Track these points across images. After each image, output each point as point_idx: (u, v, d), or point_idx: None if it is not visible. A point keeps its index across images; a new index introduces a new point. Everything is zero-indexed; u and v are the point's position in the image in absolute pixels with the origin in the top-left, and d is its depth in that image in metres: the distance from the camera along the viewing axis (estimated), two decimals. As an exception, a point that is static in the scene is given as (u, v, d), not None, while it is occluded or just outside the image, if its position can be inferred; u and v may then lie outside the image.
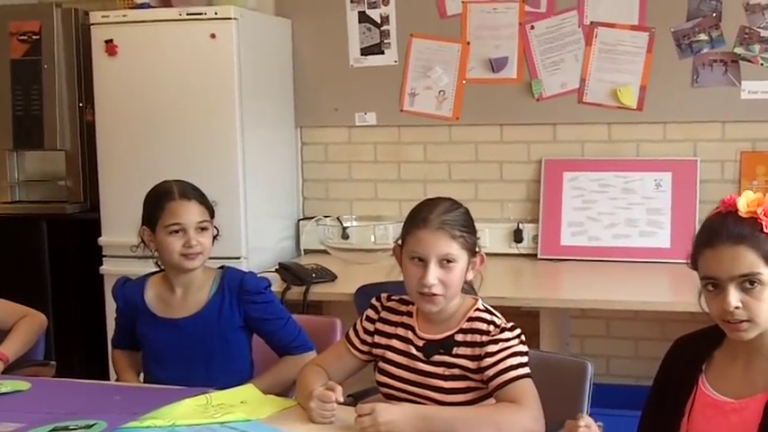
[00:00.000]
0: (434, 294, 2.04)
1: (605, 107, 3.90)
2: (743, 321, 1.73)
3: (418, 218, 2.08)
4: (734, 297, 1.72)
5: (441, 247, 2.04)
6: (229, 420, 2.05)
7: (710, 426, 1.79)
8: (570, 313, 3.85)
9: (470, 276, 2.11)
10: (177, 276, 2.53)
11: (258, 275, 2.67)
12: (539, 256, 3.93)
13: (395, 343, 2.16)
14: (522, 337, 2.06)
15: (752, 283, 1.71)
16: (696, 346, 1.88)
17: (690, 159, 3.82)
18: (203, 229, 2.50)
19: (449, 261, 2.04)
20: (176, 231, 2.46)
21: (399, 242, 2.14)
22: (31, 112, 4.32)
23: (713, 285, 1.75)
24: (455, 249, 2.04)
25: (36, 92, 4.31)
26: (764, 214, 1.73)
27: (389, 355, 2.16)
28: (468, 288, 2.16)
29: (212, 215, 2.55)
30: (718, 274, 1.73)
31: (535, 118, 3.99)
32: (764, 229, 1.72)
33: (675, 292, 3.38)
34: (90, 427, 1.95)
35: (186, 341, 2.50)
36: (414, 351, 2.12)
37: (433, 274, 2.03)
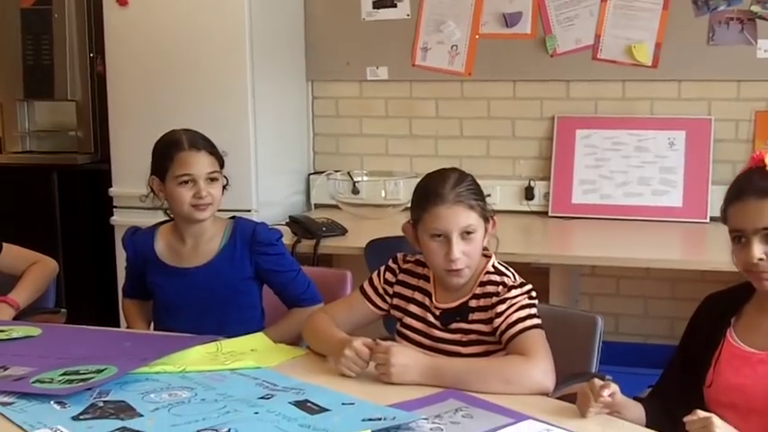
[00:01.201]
0: (461, 269, 2.05)
1: (620, 64, 3.86)
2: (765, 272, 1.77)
3: (432, 194, 2.06)
4: (758, 249, 1.77)
5: (461, 220, 2.03)
6: (239, 367, 2.06)
7: (738, 376, 1.82)
8: (580, 271, 3.84)
9: (486, 242, 2.11)
10: (188, 227, 2.53)
11: (270, 227, 2.66)
12: (550, 214, 3.91)
13: (412, 308, 2.16)
14: (532, 292, 2.07)
15: None
16: (726, 302, 1.91)
17: (704, 118, 3.78)
18: (213, 179, 2.48)
19: (469, 233, 2.05)
20: (186, 182, 2.45)
21: (411, 222, 2.13)
22: (42, 62, 4.31)
23: (739, 238, 1.81)
24: (474, 219, 2.05)
25: (46, 41, 4.29)
26: None
27: (407, 320, 2.17)
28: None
29: (222, 165, 2.54)
30: (743, 226, 1.79)
31: (548, 74, 3.95)
32: None
33: (686, 251, 3.37)
34: (100, 371, 1.96)
35: (197, 291, 2.50)
36: (431, 319, 2.13)
37: (458, 248, 2.03)
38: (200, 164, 2.47)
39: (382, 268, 2.24)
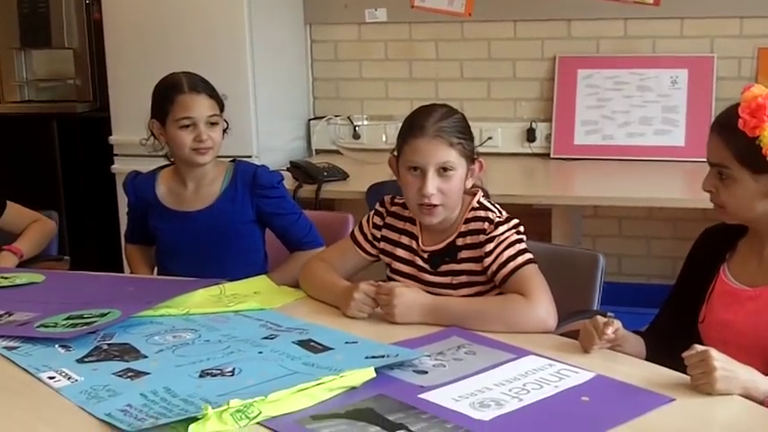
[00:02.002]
0: (434, 205, 2.01)
1: (621, 2, 3.80)
2: (716, 205, 1.83)
3: (414, 126, 2.02)
4: (708, 181, 1.82)
5: (439, 155, 1.99)
6: (243, 309, 2.07)
7: (728, 312, 1.82)
8: (582, 212, 3.84)
9: (469, 184, 2.07)
10: (189, 170, 2.52)
11: (271, 170, 2.65)
12: (552, 156, 3.90)
13: (400, 252, 2.14)
14: (520, 227, 2.04)
15: (720, 174, 1.79)
16: (722, 236, 1.91)
17: (707, 56, 3.74)
18: (213, 123, 2.47)
19: (446, 169, 2.00)
20: (187, 126, 2.44)
21: (395, 153, 2.09)
22: (38, 10, 4.27)
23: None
24: (453, 157, 2.00)
25: (42, -11, 4.25)
26: (745, 110, 1.72)
27: (396, 265, 2.15)
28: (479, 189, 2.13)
29: (222, 109, 2.52)
30: (707, 157, 1.83)
31: (549, 13, 3.90)
32: (739, 125, 1.72)
33: (689, 191, 3.35)
34: (104, 315, 1.98)
35: (199, 234, 2.51)
36: (420, 262, 2.11)
37: (432, 183, 1.99)
38: (201, 107, 2.45)
39: (371, 212, 2.22)
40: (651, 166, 3.71)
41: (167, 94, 2.47)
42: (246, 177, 2.52)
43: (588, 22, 3.88)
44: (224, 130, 2.53)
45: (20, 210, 2.85)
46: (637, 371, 1.65)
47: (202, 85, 2.49)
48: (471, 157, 2.05)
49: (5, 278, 2.39)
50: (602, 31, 3.88)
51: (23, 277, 2.40)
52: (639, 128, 3.81)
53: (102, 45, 3.96)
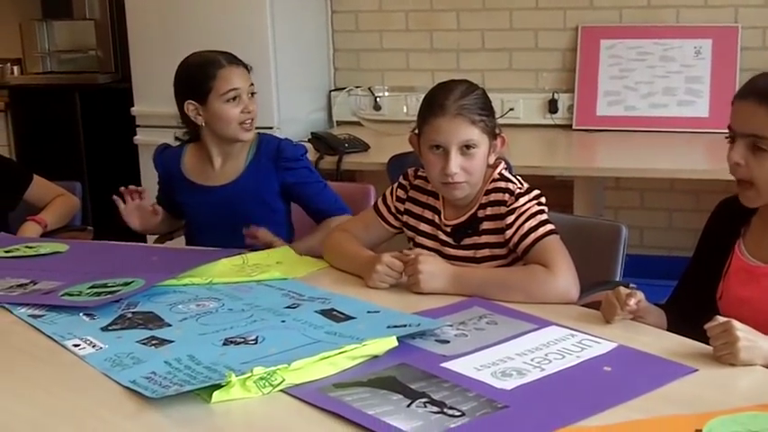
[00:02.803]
0: (458, 183, 2.01)
1: (646, -30, 3.77)
2: (743, 181, 1.72)
3: (434, 104, 2.00)
4: (737, 152, 1.71)
5: (461, 133, 1.97)
6: (265, 279, 2.08)
7: (744, 289, 1.79)
8: (605, 183, 3.83)
9: (492, 160, 2.06)
10: (220, 145, 2.52)
11: (294, 143, 2.65)
12: (574, 127, 3.87)
13: (423, 226, 2.15)
14: (541, 198, 2.03)
15: (754, 145, 1.69)
16: (737, 210, 1.85)
17: (731, 26, 3.70)
18: (253, 93, 2.47)
19: (469, 147, 1.99)
20: (233, 99, 2.42)
21: (416, 131, 2.08)
22: (58, -20, 4.28)
23: (732, 139, 1.73)
24: (476, 135, 1.99)
25: (62, -41, 4.26)
26: None
27: (419, 239, 2.15)
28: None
29: None
30: (734, 126, 1.72)
31: (572, -17, 3.87)
32: None
33: (712, 162, 3.33)
34: (128, 284, 2.00)
35: (224, 209, 2.51)
36: (443, 236, 2.11)
37: (455, 162, 1.98)
38: (243, 78, 2.45)
39: (395, 185, 2.21)
40: (674, 138, 3.68)
41: (207, 71, 2.44)
42: (270, 150, 2.52)
43: (612, -9, 3.85)
44: None
45: (46, 184, 2.89)
46: (659, 341, 1.65)
47: (237, 59, 2.48)
48: (493, 132, 2.04)
49: (30, 247, 2.42)
50: (625, 0, 3.84)
51: (47, 247, 2.43)
52: (663, 99, 3.78)
53: (123, 16, 3.98)
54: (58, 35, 4.53)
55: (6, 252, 2.38)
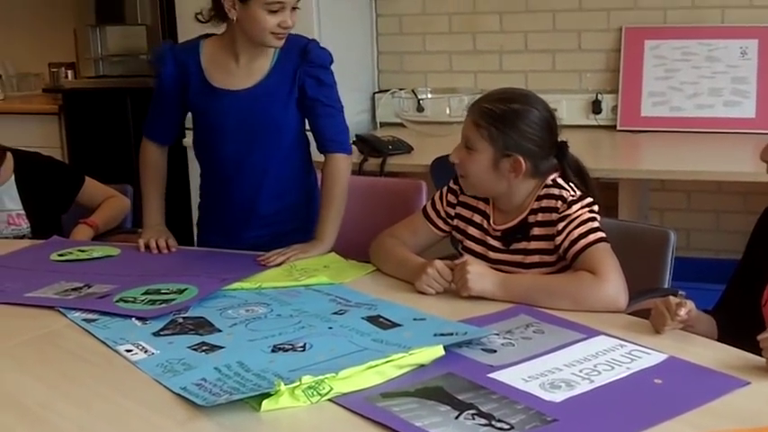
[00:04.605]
0: (461, 176, 2.10)
1: (690, -29, 3.73)
2: None
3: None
4: None
5: (465, 129, 2.07)
6: (313, 283, 2.10)
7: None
8: (650, 185, 3.79)
9: (499, 179, 2.04)
10: (248, 46, 2.36)
11: (324, 47, 2.45)
12: (618, 128, 3.85)
13: (472, 231, 2.15)
14: (594, 205, 2.02)
15: None
16: None
17: (778, 26, 3.65)
18: (295, 8, 2.34)
19: (468, 146, 2.05)
20: (275, 11, 2.27)
21: None
22: (112, -13, 4.35)
23: None
24: (475, 137, 2.04)
25: (116, -33, 4.33)
26: None
27: (467, 243, 2.16)
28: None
29: None
30: None
31: (616, -17, 3.84)
32: None
33: (759, 163, 3.26)
34: (181, 292, 2.02)
35: (244, 115, 2.39)
36: (491, 241, 2.11)
37: (457, 152, 2.08)
38: None
39: (444, 189, 2.23)
40: (720, 139, 3.64)
41: None
42: (297, 49, 2.37)
43: (656, -9, 3.81)
44: None
45: (97, 185, 2.92)
46: (710, 353, 1.63)
47: None
48: (501, 149, 2.02)
49: (83, 251, 2.46)
50: (669, 0, 3.80)
51: (100, 250, 2.46)
52: (708, 99, 3.74)
53: (174, 21, 4.02)
54: (111, 40, 4.60)
55: (60, 256, 2.42)
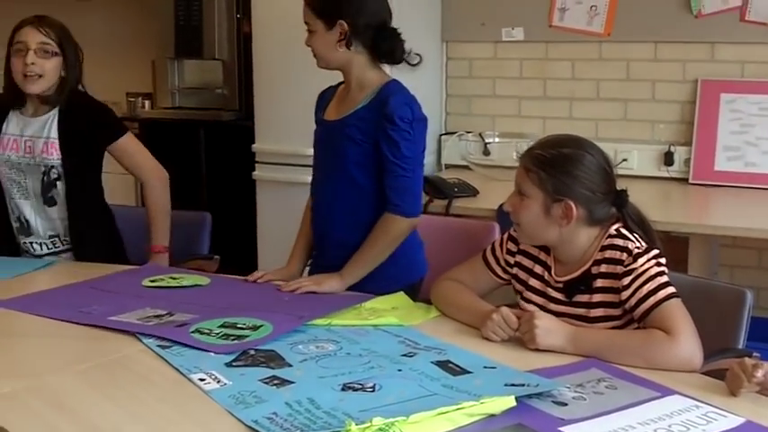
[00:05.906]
0: (516, 224, 2.08)
1: (769, 26, 3.69)
2: None
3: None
4: None
5: (516, 176, 2.07)
6: (382, 324, 2.11)
7: None
8: (721, 241, 3.73)
9: (550, 226, 2.01)
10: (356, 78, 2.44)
11: (408, 104, 2.38)
12: (690, 181, 3.80)
13: (532, 281, 2.13)
14: (661, 258, 1.97)
15: None
16: None
17: None
18: None
19: (521, 193, 2.04)
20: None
21: None
22: (191, 23, 4.49)
23: None
24: (526, 183, 2.03)
25: (196, 3, 4.48)
26: None
27: (527, 294, 2.14)
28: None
29: None
30: None
31: (692, 36, 3.82)
32: None
33: (835, 224, 3.22)
34: (257, 328, 2.04)
35: (327, 144, 2.47)
36: (552, 293, 2.08)
37: (511, 199, 2.08)
38: None
39: (505, 236, 2.21)
40: (796, 197, 3.57)
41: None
42: (382, 99, 2.36)
43: (733, 46, 3.78)
44: None
45: (138, 147, 2.84)
46: (787, 418, 1.60)
47: None
48: (552, 194, 2.00)
49: (174, 278, 2.49)
50: (747, 54, 3.77)
51: (190, 279, 2.49)
52: (785, 156, 3.69)
53: (250, 57, 4.12)
54: (188, 73, 4.74)
55: (152, 282, 2.46)
